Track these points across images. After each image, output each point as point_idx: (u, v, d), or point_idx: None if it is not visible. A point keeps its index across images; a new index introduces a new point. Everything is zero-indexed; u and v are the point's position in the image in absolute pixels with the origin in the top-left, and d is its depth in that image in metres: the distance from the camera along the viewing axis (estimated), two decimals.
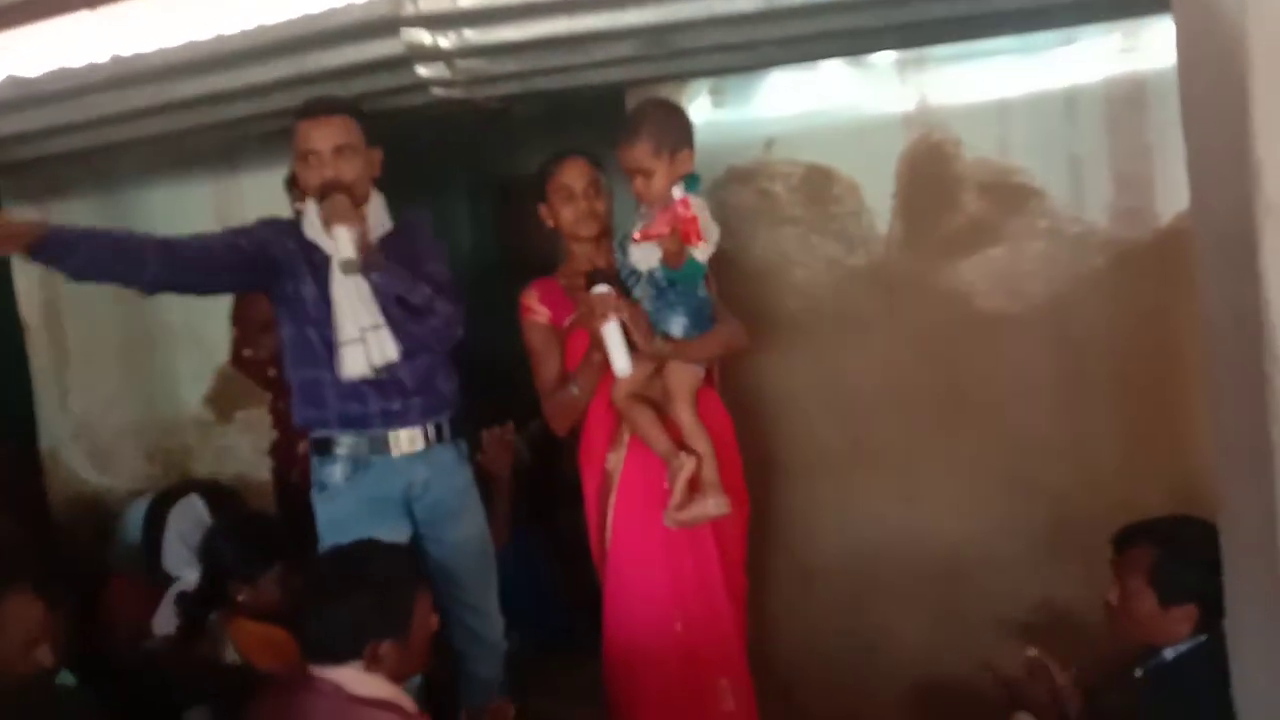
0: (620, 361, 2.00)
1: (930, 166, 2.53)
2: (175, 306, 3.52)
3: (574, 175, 2.28)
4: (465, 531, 2.33)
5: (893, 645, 2.66)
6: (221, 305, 3.15)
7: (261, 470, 3.34)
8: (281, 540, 2.46)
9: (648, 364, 2.07)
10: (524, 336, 2.30)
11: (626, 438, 2.20)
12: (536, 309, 2.28)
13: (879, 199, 2.58)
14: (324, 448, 2.22)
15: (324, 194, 2.07)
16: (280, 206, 3.31)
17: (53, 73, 2.42)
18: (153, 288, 2.05)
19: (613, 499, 2.21)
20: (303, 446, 2.96)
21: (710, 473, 2.08)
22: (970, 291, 2.53)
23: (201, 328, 3.43)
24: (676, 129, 2.08)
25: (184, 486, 3.16)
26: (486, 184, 4.46)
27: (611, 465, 2.22)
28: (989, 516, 2.56)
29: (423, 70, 2.29)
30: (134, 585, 2.89)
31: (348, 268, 2.01)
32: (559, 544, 3.11)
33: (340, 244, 2.00)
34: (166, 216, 3.52)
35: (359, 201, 2.13)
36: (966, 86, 2.49)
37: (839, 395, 2.68)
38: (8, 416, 3.67)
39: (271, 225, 2.25)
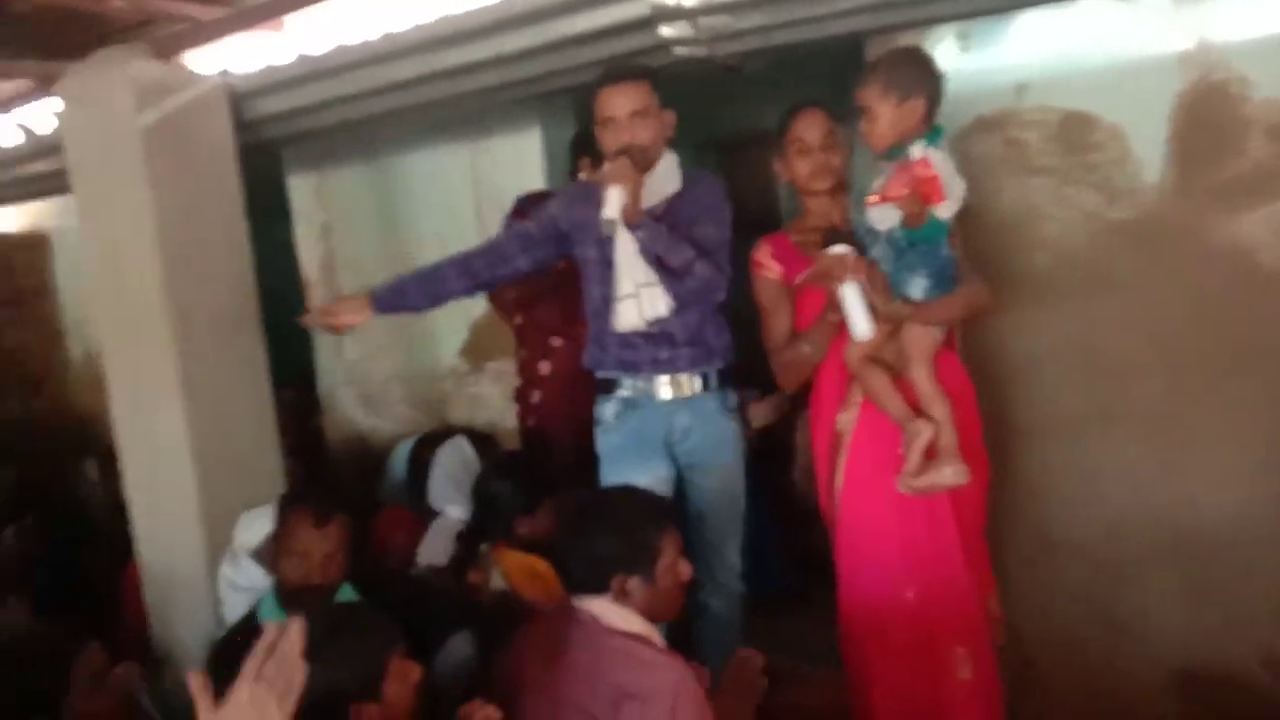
0: (860, 325, 1.97)
1: (1211, 109, 2.28)
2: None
3: (809, 127, 2.27)
4: (719, 479, 2.42)
5: (1147, 626, 2.49)
6: None
7: (509, 417, 3.58)
8: (550, 478, 2.69)
9: (885, 327, 2.03)
10: (754, 292, 2.33)
11: (858, 398, 2.17)
12: (768, 265, 2.29)
13: (1148, 146, 2.36)
14: (605, 387, 2.41)
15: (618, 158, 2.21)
16: (526, 169, 3.50)
17: (333, 50, 2.66)
18: (466, 294, 2.48)
19: (843, 460, 2.19)
20: (535, 396, 3.16)
21: (948, 439, 2.02)
22: (1254, 246, 2.28)
23: None
24: (909, 76, 1.99)
25: (445, 430, 3.45)
26: (715, 140, 4.48)
27: (842, 425, 2.20)
28: (1264, 487, 2.32)
29: (666, 30, 2.34)
30: (402, 516, 3.20)
31: (607, 226, 2.16)
32: (780, 501, 3.13)
33: (609, 203, 2.13)
34: (425, 179, 3.81)
35: (650, 164, 2.26)
36: (1254, 20, 2.23)
37: (1090, 357, 2.50)
38: (291, 363, 4.14)
39: (562, 196, 2.45)
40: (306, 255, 4.12)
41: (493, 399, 3.78)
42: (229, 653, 2.23)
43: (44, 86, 3.10)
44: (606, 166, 2.20)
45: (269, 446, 2.73)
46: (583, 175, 2.82)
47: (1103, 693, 2.54)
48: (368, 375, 4.08)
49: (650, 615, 1.77)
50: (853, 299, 1.97)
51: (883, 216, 1.98)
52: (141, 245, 2.46)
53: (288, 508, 2.24)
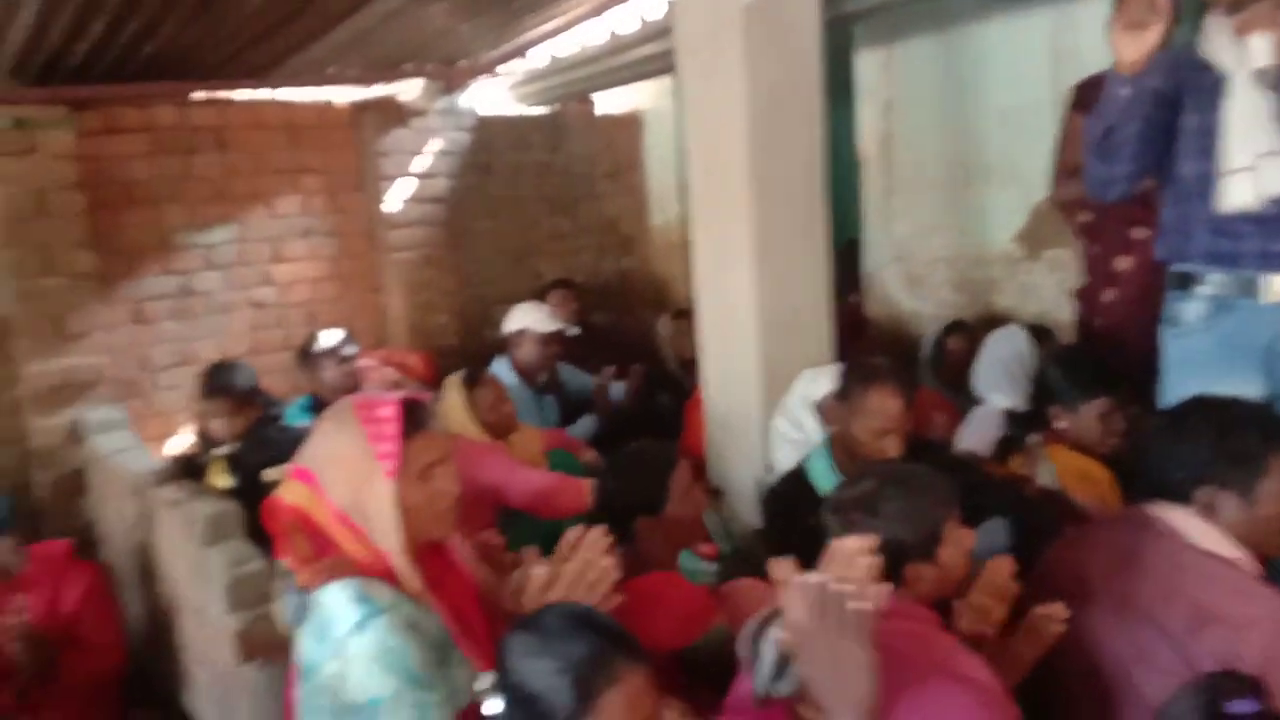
0: None
1: None
2: (996, 142, 3.64)
3: None
4: None
5: None
6: (1043, 141, 3.15)
7: (1062, 311, 3.35)
8: (1110, 377, 2.47)
9: None
10: None
11: None
12: None
13: None
14: (1183, 283, 2.10)
15: (1236, 3, 1.89)
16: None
17: None
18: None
19: None
20: (1108, 294, 2.89)
21: None
22: None
23: (1021, 164, 3.49)
24: None
25: (979, 320, 3.35)
26: None
27: None
28: None
29: None
30: (938, 399, 3.21)
31: (1262, 78, 1.84)
32: None
33: (1254, 52, 1.83)
34: (997, 52, 3.61)
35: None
36: None
37: None
38: (840, 239, 4.28)
39: (1161, 63, 2.09)
40: (866, 131, 4.17)
41: (1046, 289, 3.56)
42: (779, 498, 2.47)
43: None
44: (1236, 16, 1.87)
45: (823, 310, 2.87)
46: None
47: None
48: (914, 255, 4.07)
49: (1245, 539, 1.56)
50: None
51: None
52: (734, 118, 2.68)
53: (870, 374, 2.28)
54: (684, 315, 4.28)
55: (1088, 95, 2.67)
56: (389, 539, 1.40)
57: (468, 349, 4.64)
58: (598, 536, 1.55)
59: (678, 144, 5.07)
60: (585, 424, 3.79)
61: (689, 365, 4.11)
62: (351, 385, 3.65)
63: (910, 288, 4.11)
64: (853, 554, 1.28)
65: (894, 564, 1.50)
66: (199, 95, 4.21)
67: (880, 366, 2.32)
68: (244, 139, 4.36)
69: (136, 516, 3.21)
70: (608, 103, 5.62)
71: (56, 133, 3.74)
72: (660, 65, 4.25)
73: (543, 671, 1.23)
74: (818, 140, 2.83)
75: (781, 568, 1.32)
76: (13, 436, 3.83)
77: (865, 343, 4.09)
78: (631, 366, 3.93)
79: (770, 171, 2.72)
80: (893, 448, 2.19)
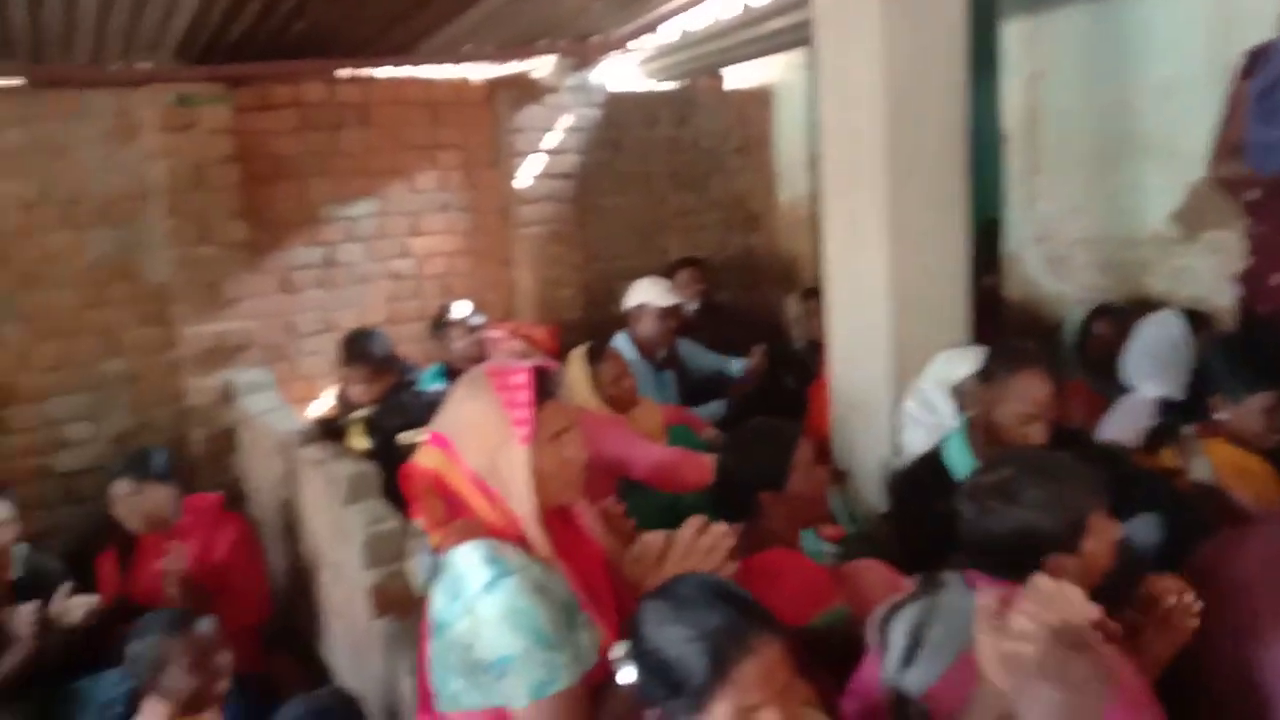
0: None
1: None
2: (1151, 117, 3.43)
3: None
4: None
5: None
6: (1204, 116, 2.95)
7: (1221, 296, 3.14)
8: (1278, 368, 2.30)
9: None
10: None
11: None
12: None
13: None
14: None
15: None
16: None
17: None
18: None
19: None
20: (1276, 278, 2.69)
21: None
22: None
23: (1178, 140, 3.28)
24: None
25: (1128, 304, 3.17)
26: None
27: None
28: None
29: None
30: (1078, 386, 3.06)
31: None
32: None
33: None
34: (1155, 22, 3.39)
35: None
36: None
37: None
38: (979, 218, 4.12)
39: None
40: (1010, 106, 3.99)
41: (1202, 272, 3.34)
42: (909, 482, 2.40)
43: None
44: None
45: (960, 290, 2.78)
46: None
47: None
48: (1057, 235, 3.89)
49: None
50: None
51: None
52: (871, 91, 2.61)
53: (1018, 357, 2.20)
54: (813, 294, 4.22)
55: (1259, 63, 2.47)
56: (523, 503, 1.43)
57: (592, 323, 4.69)
58: (722, 528, 1.54)
59: (808, 118, 4.98)
60: (714, 408, 3.80)
61: (816, 346, 4.05)
62: (479, 355, 3.76)
63: (1052, 270, 3.93)
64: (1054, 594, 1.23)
65: (1033, 554, 1.44)
66: (344, 73, 4.37)
67: (1029, 350, 2.23)
68: (385, 115, 4.50)
69: (282, 474, 3.39)
70: (737, 77, 5.55)
71: (215, 109, 3.95)
72: (793, 38, 4.17)
73: (677, 640, 1.23)
74: (959, 114, 2.73)
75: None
76: (171, 395, 4.10)
77: (1000, 326, 3.94)
78: (754, 347, 3.90)
79: (908, 146, 2.64)
80: (1038, 435, 2.10)
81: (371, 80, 4.50)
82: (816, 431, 2.95)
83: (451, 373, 3.73)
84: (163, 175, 3.89)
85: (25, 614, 2.55)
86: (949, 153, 2.72)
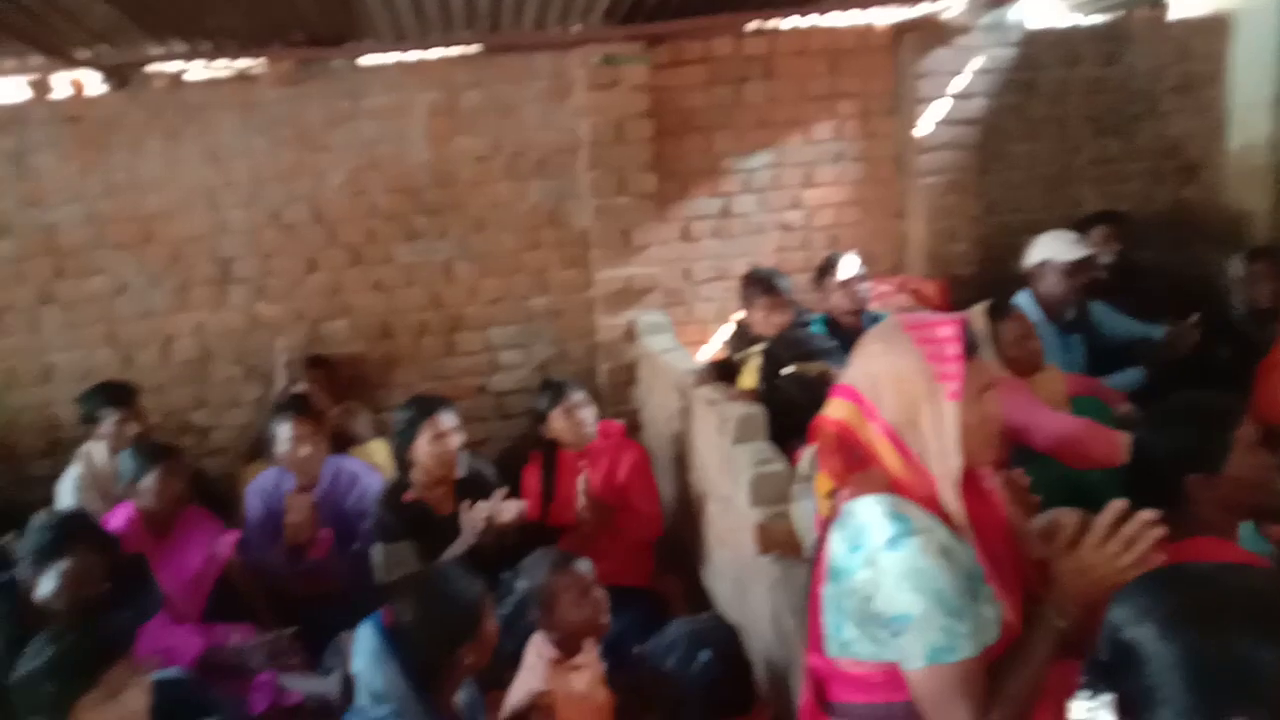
0: None
1: None
2: None
3: None
4: None
5: None
6: None
7: None
8: None
9: None
10: None
11: None
12: None
13: None
14: None
15: None
16: None
17: None
18: None
19: None
20: None
21: None
22: None
23: None
24: None
25: None
26: None
27: None
28: None
29: None
30: None
31: None
32: None
33: None
34: None
35: None
36: None
37: None
38: None
39: None
40: None
41: None
42: None
43: None
44: None
45: None
46: None
47: None
48: None
49: None
50: None
51: None
52: None
53: None
54: (1262, 256, 3.66)
55: None
56: (946, 461, 1.40)
57: (986, 280, 4.43)
58: (1148, 515, 1.40)
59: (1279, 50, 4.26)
60: (1130, 376, 3.44)
61: (1262, 315, 3.51)
62: (859, 308, 3.73)
63: None
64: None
65: None
66: (751, 26, 4.48)
67: None
68: (788, 66, 4.55)
69: (677, 410, 3.64)
70: (1185, 5, 4.86)
71: (634, 67, 4.25)
72: None
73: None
74: None
75: None
76: (585, 331, 4.56)
77: None
78: (1188, 313, 3.46)
79: None
80: None
81: (777, 32, 4.57)
82: (1265, 418, 2.58)
83: (831, 323, 3.74)
84: (588, 131, 4.28)
85: (480, 511, 2.99)
86: None
